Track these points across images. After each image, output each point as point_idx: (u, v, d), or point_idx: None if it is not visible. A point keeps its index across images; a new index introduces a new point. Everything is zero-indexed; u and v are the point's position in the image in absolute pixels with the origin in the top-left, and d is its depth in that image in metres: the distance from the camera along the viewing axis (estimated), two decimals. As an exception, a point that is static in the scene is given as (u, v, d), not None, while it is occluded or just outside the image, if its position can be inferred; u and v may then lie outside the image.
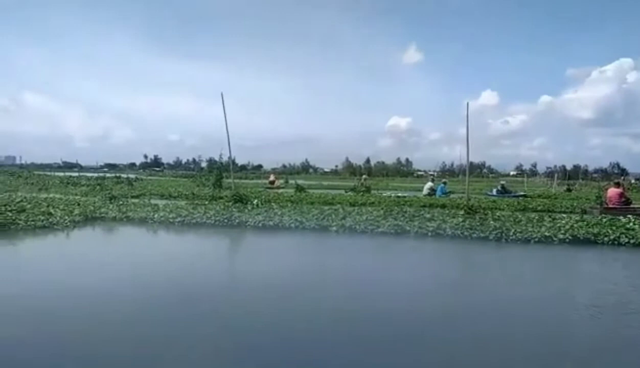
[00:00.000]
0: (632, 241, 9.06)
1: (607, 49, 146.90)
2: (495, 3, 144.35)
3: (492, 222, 10.56)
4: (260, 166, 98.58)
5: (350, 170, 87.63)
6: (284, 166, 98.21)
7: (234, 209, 12.28)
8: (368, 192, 22.89)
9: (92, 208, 12.32)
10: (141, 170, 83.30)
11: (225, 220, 11.04)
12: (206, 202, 14.39)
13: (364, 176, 32.32)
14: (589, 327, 4.62)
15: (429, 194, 21.09)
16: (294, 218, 10.98)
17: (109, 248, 8.90)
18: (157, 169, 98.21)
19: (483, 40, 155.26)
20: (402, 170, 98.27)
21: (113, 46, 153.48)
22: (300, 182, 30.31)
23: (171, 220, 11.15)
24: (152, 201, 14.17)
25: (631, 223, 10.31)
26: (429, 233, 9.87)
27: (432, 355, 3.78)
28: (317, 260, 8.05)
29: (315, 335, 4.15)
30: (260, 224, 10.73)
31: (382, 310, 4.95)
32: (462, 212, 12.12)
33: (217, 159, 29.44)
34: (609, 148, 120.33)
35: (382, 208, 12.90)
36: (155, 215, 11.47)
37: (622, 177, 50.39)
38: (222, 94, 16.08)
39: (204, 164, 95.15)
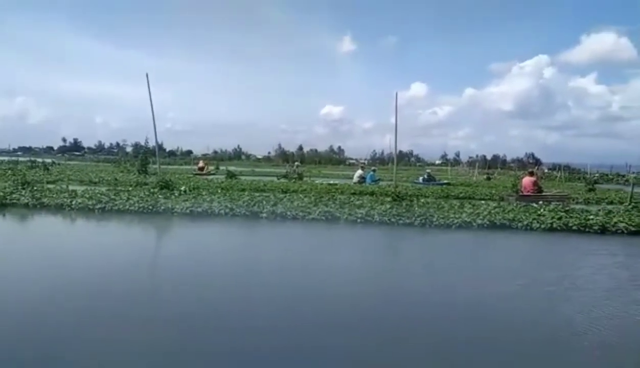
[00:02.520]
0: (542, 226, 9.77)
1: (527, 46, 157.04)
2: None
3: (417, 209, 10.96)
4: (190, 152, 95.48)
5: (283, 157, 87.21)
6: (215, 152, 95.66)
7: (159, 196, 11.81)
8: (300, 179, 22.92)
9: (1, 194, 11.32)
10: (59, 155, 77.80)
11: (150, 207, 10.59)
12: (130, 189, 13.71)
13: (296, 163, 32.31)
14: (508, 303, 4.93)
15: (359, 182, 21.48)
16: (223, 204, 10.75)
17: (18, 236, 8.24)
18: (77, 153, 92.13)
19: (414, 34, 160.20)
20: (335, 158, 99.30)
21: (35, 25, 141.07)
22: (231, 168, 29.78)
23: (90, 207, 10.52)
24: (70, 187, 13.26)
25: (542, 210, 11.12)
26: (359, 220, 10.07)
27: (365, 338, 3.85)
28: (245, 246, 7.95)
29: (242, 322, 4.08)
30: (187, 211, 10.41)
31: (312, 295, 4.98)
32: (389, 199, 12.47)
33: (143, 143, 28.17)
34: (526, 139, 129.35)
35: (313, 196, 12.96)
36: (73, 202, 10.77)
37: (536, 167, 54.08)
38: (147, 75, 15.36)
39: (129, 149, 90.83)
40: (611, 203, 15.90)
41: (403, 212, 10.60)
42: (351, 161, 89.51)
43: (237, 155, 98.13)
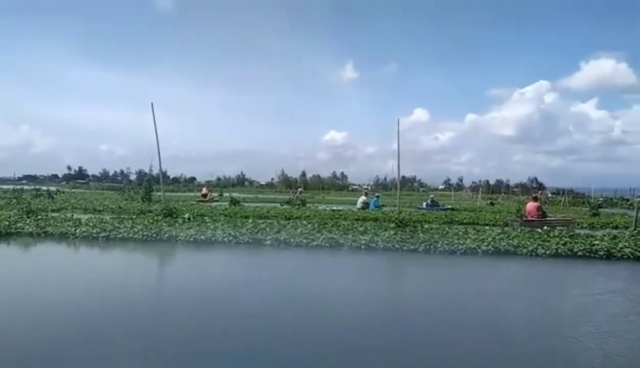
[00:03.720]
0: (547, 252, 9.71)
1: (528, 72, 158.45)
2: (426, 27, 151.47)
3: (421, 235, 10.93)
4: (193, 179, 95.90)
5: (287, 183, 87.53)
6: (219, 179, 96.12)
7: (163, 223, 11.83)
8: (303, 206, 22.95)
9: (6, 223, 11.38)
10: (64, 183, 78.24)
11: (154, 235, 10.60)
12: (134, 216, 13.75)
13: (299, 189, 32.40)
14: (516, 329, 4.87)
15: (362, 208, 21.49)
16: (227, 232, 10.75)
17: (22, 266, 8.24)
18: (82, 181, 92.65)
19: (415, 60, 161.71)
20: (338, 184, 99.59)
21: (39, 55, 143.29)
22: (235, 195, 29.85)
23: (95, 236, 10.54)
24: (75, 215, 13.32)
25: (546, 235, 11.07)
26: (362, 246, 10.04)
27: (371, 364, 3.81)
28: (249, 274, 7.92)
29: (245, 351, 4.05)
30: (191, 239, 10.41)
31: (316, 322, 4.95)
32: (393, 225, 12.45)
33: (147, 171, 28.34)
34: (529, 164, 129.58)
35: (317, 222, 12.96)
36: (77, 230, 10.79)
37: (540, 191, 54.03)
38: (152, 104, 15.56)
39: (133, 176, 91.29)
40: (616, 227, 15.83)
41: (407, 238, 10.57)
42: (354, 187, 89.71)
43: (241, 181, 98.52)
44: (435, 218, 17.31)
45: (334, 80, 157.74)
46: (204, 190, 31.54)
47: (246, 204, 23.26)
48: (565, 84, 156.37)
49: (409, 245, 10.02)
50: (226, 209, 18.71)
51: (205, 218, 13.60)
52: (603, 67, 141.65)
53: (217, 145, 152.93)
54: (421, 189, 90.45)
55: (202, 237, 10.47)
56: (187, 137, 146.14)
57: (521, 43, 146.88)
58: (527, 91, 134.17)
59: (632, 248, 9.79)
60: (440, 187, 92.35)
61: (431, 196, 28.79)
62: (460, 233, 11.50)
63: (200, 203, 24.47)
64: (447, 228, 12.48)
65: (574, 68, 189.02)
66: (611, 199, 45.51)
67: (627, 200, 41.71)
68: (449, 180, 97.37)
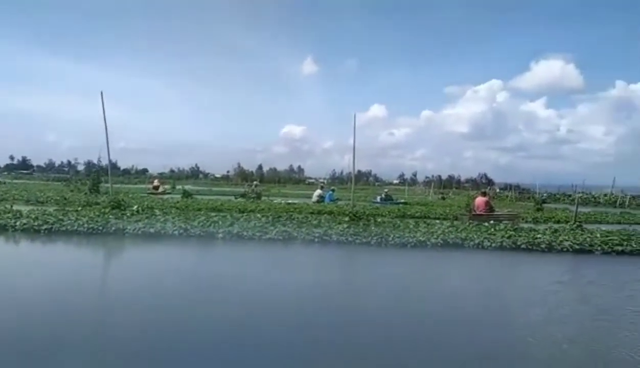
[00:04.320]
0: (492, 245, 10.07)
1: (481, 70, 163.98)
2: (386, 24, 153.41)
3: (374, 228, 11.09)
4: (145, 170, 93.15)
5: (243, 176, 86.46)
6: (172, 171, 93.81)
7: (110, 216, 11.40)
8: (259, 199, 22.77)
9: (-64, 214, 10.62)
10: (5, 173, 74.01)
11: (100, 228, 10.19)
12: (79, 208, 13.17)
13: (254, 182, 32.09)
14: (460, 318, 5.02)
15: (317, 201, 21.56)
16: (177, 225, 10.49)
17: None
18: (26, 171, 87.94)
19: (374, 57, 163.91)
20: (294, 177, 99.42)
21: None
22: (188, 187, 29.25)
23: (36, 228, 10.01)
24: (15, 207, 12.60)
25: (492, 229, 11.50)
26: (316, 240, 10.06)
27: (320, 360, 3.81)
28: (198, 268, 7.79)
29: (187, 349, 3.96)
30: (140, 232, 10.08)
31: (262, 316, 4.90)
32: (347, 219, 12.55)
33: (95, 162, 27.25)
34: (480, 160, 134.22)
35: (271, 215, 12.88)
36: (17, 223, 10.22)
37: (489, 187, 56.14)
38: (101, 93, 14.98)
39: (81, 168, 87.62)
40: (558, 222, 16.62)
41: (360, 231, 10.68)
42: (311, 180, 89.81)
43: (195, 174, 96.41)
44: (389, 212, 17.58)
45: (293, 74, 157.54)
46: (156, 182, 30.75)
47: (199, 197, 22.81)
48: (516, 84, 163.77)
49: (362, 239, 10.13)
50: (178, 202, 18.27)
51: (156, 210, 13.21)
52: (552, 68, 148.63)
53: (172, 137, 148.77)
54: (376, 183, 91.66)
55: (151, 230, 10.17)
56: (141, 128, 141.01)
57: (476, 42, 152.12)
58: (480, 89, 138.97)
59: (571, 242, 10.30)
60: (395, 181, 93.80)
61: (385, 190, 29.19)
62: (411, 226, 11.75)
63: (151, 195, 23.79)
64: (399, 222, 12.70)
65: (524, 68, 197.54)
66: (555, 195, 47.77)
67: (569, 196, 43.86)
68: (403, 175, 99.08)
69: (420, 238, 10.17)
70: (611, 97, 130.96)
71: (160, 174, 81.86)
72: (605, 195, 41.55)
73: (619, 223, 18.08)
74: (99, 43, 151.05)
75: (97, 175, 23.37)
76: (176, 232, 10.14)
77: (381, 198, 25.52)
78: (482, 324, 5.04)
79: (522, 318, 5.39)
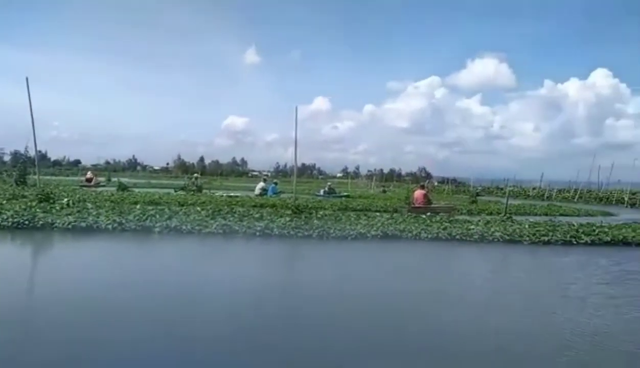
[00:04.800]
0: (429, 236, 10.43)
1: (421, 67, 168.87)
2: (330, 16, 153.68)
3: (316, 221, 11.14)
4: (78, 162, 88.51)
5: (183, 168, 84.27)
6: (108, 163, 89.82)
7: (37, 209, 10.70)
8: (199, 192, 22.25)
9: None
10: None
11: (26, 222, 9.54)
12: (4, 202, 12.28)
13: (195, 175, 31.26)
14: (398, 306, 5.14)
15: (260, 194, 21.39)
16: (111, 219, 10.03)
17: None
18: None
19: (318, 49, 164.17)
20: (237, 170, 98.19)
21: None
22: (124, 180, 28.10)
23: (-49, 223, 9.23)
24: None
25: (429, 221, 11.91)
26: (257, 233, 9.96)
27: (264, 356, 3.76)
28: (131, 263, 7.51)
29: (122, 347, 3.80)
30: (70, 226, 9.54)
31: (199, 312, 4.79)
32: (289, 212, 12.53)
33: (23, 152, 25.51)
34: (420, 154, 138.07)
35: (211, 208, 12.61)
36: None
37: (427, 181, 58.08)
38: (27, 79, 14.03)
39: (7, 158, 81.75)
40: (490, 214, 17.46)
41: (302, 224, 10.70)
42: (254, 173, 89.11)
43: (132, 166, 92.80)
44: (331, 205, 17.74)
45: (235, 64, 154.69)
46: (89, 175, 29.23)
47: (137, 190, 21.97)
48: (453, 81, 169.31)
49: (304, 232, 10.15)
50: (113, 195, 17.49)
51: (88, 204, 12.55)
52: (486, 67, 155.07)
53: (107, 126, 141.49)
54: (320, 177, 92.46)
55: (83, 224, 9.65)
56: (74, 117, 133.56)
57: (417, 39, 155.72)
58: (420, 85, 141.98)
59: (502, 232, 10.85)
60: (339, 175, 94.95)
61: (328, 184, 29.46)
62: (352, 219, 11.92)
63: (84, 188, 22.60)
64: (341, 215, 12.84)
65: (461, 66, 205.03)
66: (488, 188, 50.20)
67: (502, 189, 46.20)
68: (346, 168, 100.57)
69: (361, 230, 10.34)
70: (540, 95, 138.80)
71: (94, 165, 78.19)
72: (534, 188, 44.11)
73: (546, 214, 19.23)
74: (24, 22, 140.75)
75: (24, 166, 21.88)
76: (110, 226, 9.68)
77: (324, 192, 25.72)
78: (417, 313, 5.20)
79: (455, 306, 5.60)
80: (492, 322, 4.94)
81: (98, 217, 10.12)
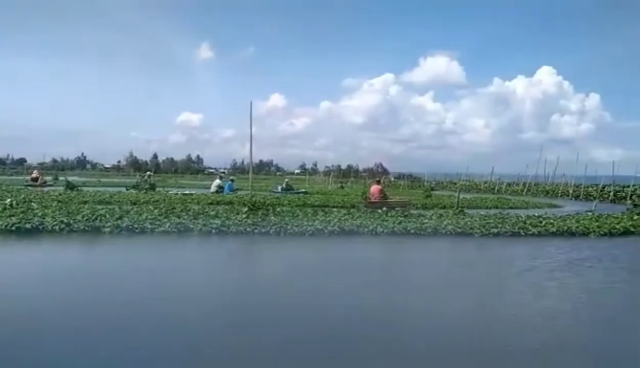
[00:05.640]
0: (385, 230, 10.59)
1: (376, 64, 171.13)
2: (284, 10, 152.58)
3: (273, 218, 11.09)
4: (23, 160, 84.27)
5: (135, 166, 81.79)
6: (55, 161, 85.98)
7: (-23, 211, 10.11)
8: (152, 190, 21.70)
9: None
10: None
11: (-36, 225, 9.01)
12: (-62, 203, 11.52)
13: (148, 173, 30.42)
14: (354, 300, 5.19)
15: (216, 191, 21.11)
16: (58, 219, 9.60)
17: None
18: None
19: (274, 45, 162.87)
20: (193, 167, 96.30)
21: None
22: (73, 178, 27.02)
23: None
24: None
25: (385, 216, 12.11)
26: (213, 231, 9.81)
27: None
28: (80, 264, 7.24)
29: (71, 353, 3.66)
30: (13, 227, 9.05)
31: (147, 316, 4.67)
32: (246, 209, 12.40)
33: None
34: (376, 150, 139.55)
35: (165, 207, 12.31)
36: None
37: (384, 176, 58.97)
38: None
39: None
40: (444, 207, 17.94)
41: (259, 221, 10.62)
42: (210, 170, 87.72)
43: (82, 164, 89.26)
44: (289, 201, 17.70)
45: (188, 60, 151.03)
46: (35, 174, 27.89)
47: (86, 189, 21.17)
48: (407, 78, 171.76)
49: (260, 229, 10.08)
50: (60, 194, 16.77)
51: (33, 204, 11.97)
52: (438, 64, 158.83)
53: (55, 123, 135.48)
54: (277, 173, 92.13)
55: (27, 226, 9.19)
56: (18, 113, 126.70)
57: (372, 37, 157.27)
58: (375, 82, 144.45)
59: (454, 226, 11.17)
60: (296, 171, 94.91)
61: (286, 180, 29.37)
62: (309, 215, 11.94)
63: (30, 188, 21.59)
64: (298, 211, 12.84)
65: (414, 64, 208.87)
66: (442, 183, 51.65)
67: (455, 183, 47.60)
68: (304, 164, 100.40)
69: (318, 226, 10.37)
70: (489, 92, 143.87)
71: (41, 164, 74.54)
72: (486, 182, 45.75)
73: (496, 207, 19.96)
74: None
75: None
76: (56, 227, 9.27)
77: (282, 188, 25.65)
78: (374, 306, 5.27)
79: (409, 298, 5.73)
80: (443, 310, 5.08)
81: (44, 218, 9.67)
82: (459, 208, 14.68)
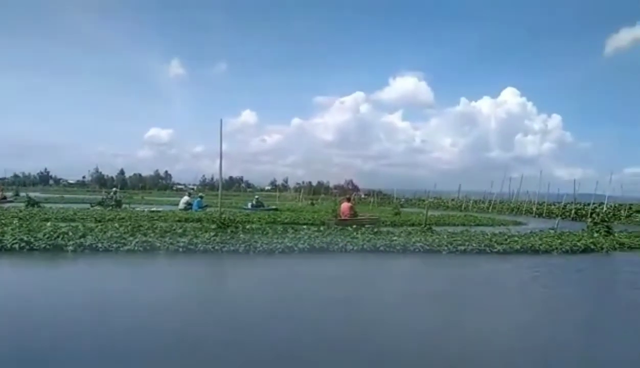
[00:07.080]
0: (355, 248, 10.64)
1: (347, 82, 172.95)
2: (256, 27, 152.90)
3: (242, 235, 10.98)
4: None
5: (101, 182, 79.78)
6: (16, 176, 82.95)
7: None
8: (118, 207, 21.21)
9: None
10: None
11: None
12: None
13: (114, 189, 29.73)
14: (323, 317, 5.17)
15: (185, 208, 20.79)
16: (18, 237, 9.25)
17: None
18: None
19: (245, 62, 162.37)
20: (161, 183, 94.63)
21: None
22: (34, 194, 26.14)
23: None
24: None
25: (355, 233, 12.17)
26: (181, 249, 9.63)
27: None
28: (40, 285, 6.97)
29: None
30: (-32, 247, 8.69)
31: (111, 337, 4.54)
32: (215, 227, 12.24)
33: None
34: (347, 167, 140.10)
35: (131, 224, 12.03)
36: None
37: (354, 193, 59.30)
38: None
39: None
40: (412, 225, 18.14)
41: (228, 239, 10.50)
42: (179, 187, 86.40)
43: (44, 179, 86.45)
44: (259, 218, 17.59)
45: (157, 75, 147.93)
46: (-5, 189, 26.86)
47: (48, 205, 20.50)
48: (377, 97, 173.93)
49: (229, 246, 9.96)
50: (21, 211, 16.20)
51: (-9, 222, 11.52)
52: (407, 84, 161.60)
53: (14, 137, 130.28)
54: (248, 190, 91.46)
55: (-16, 245, 8.83)
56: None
57: (343, 55, 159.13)
58: (346, 100, 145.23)
59: (423, 243, 11.32)
60: (267, 187, 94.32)
61: (256, 197, 29.23)
62: (279, 232, 11.89)
63: (-12, 204, 20.76)
64: (268, 229, 12.77)
65: (384, 83, 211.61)
66: (411, 200, 52.29)
67: (424, 200, 48.24)
68: (275, 181, 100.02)
69: (288, 243, 10.33)
70: (456, 112, 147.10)
71: (1, 179, 71.83)
72: (453, 199, 46.58)
73: (463, 225, 20.33)
74: None
75: None
76: (16, 246, 8.94)
77: (252, 205, 25.51)
78: (340, 322, 5.27)
79: (370, 312, 5.76)
80: (410, 325, 5.13)
81: (3, 236, 9.31)
82: (427, 226, 14.89)
